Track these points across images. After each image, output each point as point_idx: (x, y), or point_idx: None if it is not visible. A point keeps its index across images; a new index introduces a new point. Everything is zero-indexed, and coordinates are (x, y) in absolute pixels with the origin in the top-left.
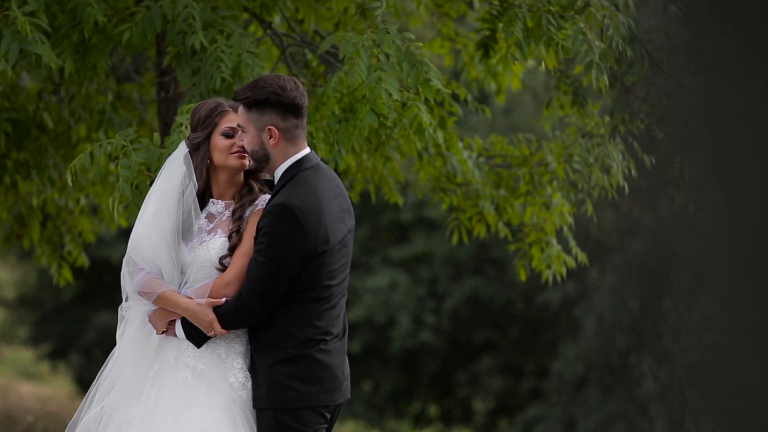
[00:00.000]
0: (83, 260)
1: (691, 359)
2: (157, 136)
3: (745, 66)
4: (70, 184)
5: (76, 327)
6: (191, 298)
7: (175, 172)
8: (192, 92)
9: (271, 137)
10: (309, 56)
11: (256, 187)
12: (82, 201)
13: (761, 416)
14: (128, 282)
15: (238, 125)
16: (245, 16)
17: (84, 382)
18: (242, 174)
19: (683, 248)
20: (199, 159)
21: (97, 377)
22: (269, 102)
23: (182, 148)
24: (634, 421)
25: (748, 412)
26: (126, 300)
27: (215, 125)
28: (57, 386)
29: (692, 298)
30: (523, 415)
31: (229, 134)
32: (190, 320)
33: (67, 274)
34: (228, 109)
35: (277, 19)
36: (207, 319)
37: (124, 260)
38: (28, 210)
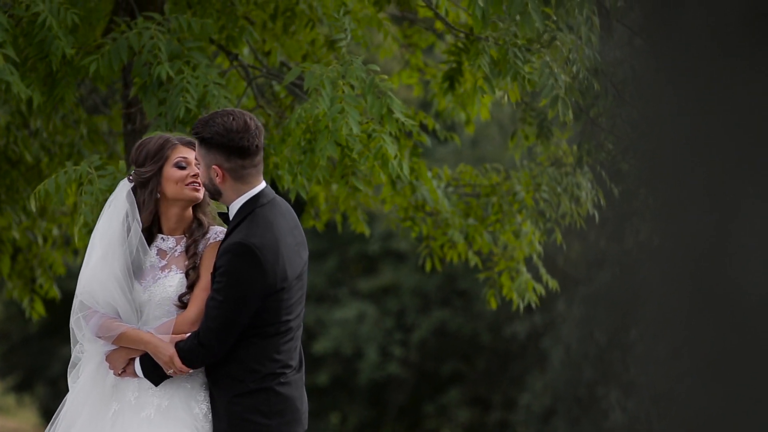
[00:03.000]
0: (55, 292)
1: (658, 390)
2: (123, 163)
3: (685, 98)
4: (34, 209)
5: (43, 359)
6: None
7: (117, 211)
8: (157, 122)
9: (217, 175)
10: (276, 88)
11: (205, 221)
12: (55, 232)
13: None
14: (83, 327)
15: (195, 158)
16: (212, 48)
17: (50, 414)
18: (191, 210)
19: (649, 279)
20: (147, 193)
21: (51, 422)
22: (213, 141)
23: (123, 187)
24: None
25: None
26: (77, 344)
27: (167, 158)
28: (23, 419)
29: (658, 329)
30: None
31: (183, 165)
32: (151, 355)
33: (40, 307)
34: (177, 142)
35: (245, 51)
36: (168, 354)
37: (75, 306)
38: None
